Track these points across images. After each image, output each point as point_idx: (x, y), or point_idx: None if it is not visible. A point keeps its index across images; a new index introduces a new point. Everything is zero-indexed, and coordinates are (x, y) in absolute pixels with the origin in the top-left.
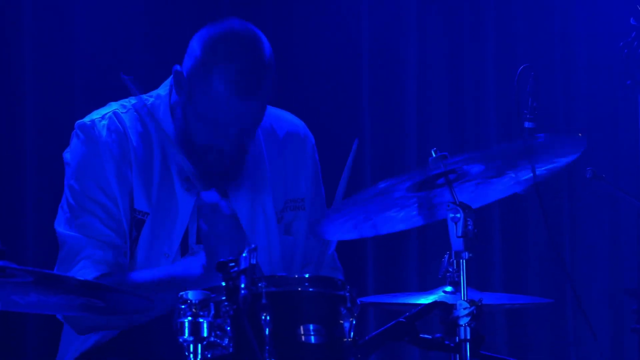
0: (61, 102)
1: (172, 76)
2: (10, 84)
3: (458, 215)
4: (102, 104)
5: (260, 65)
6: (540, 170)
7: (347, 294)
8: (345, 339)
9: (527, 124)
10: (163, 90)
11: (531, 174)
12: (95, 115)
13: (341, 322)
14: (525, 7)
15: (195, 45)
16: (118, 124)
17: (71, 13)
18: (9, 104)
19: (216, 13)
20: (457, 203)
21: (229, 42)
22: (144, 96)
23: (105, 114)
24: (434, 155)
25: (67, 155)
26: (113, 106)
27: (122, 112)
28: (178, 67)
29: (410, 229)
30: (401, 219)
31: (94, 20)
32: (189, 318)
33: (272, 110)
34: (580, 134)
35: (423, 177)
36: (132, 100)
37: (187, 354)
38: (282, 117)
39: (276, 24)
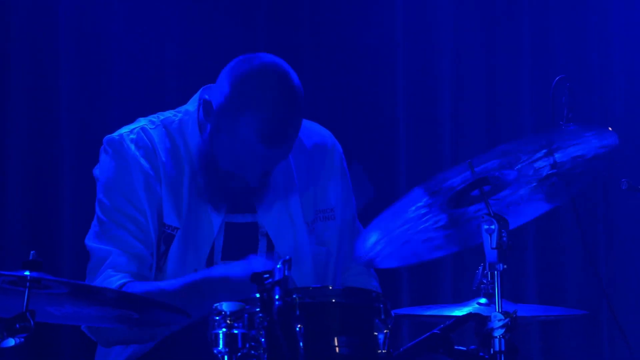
0: (97, 118)
1: (199, 95)
2: (47, 101)
3: (492, 226)
4: (136, 120)
5: (289, 113)
6: (565, 156)
7: (382, 305)
8: (380, 351)
9: None
10: (191, 106)
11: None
12: (124, 130)
13: (375, 334)
14: (561, 16)
15: (224, 82)
16: (146, 139)
17: (106, 30)
18: (46, 119)
19: (251, 22)
20: (492, 214)
21: (258, 85)
22: (173, 112)
23: (134, 129)
24: (469, 167)
25: (96, 170)
26: (142, 122)
27: (150, 128)
28: (206, 96)
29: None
30: (439, 247)
31: (128, 36)
32: (224, 329)
33: None
34: (610, 128)
35: (454, 179)
36: (161, 116)
37: None
38: (309, 128)
39: (311, 34)
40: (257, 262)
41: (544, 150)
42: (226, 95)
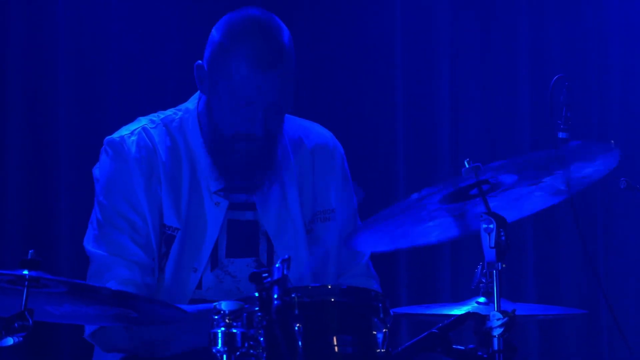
0: (96, 118)
1: (196, 77)
2: (45, 101)
3: (491, 225)
4: (135, 119)
5: (279, 40)
6: (576, 179)
7: (380, 304)
8: (378, 350)
9: (560, 135)
10: (191, 104)
11: (566, 185)
12: (124, 131)
13: (374, 332)
14: (558, 16)
15: (214, 33)
16: (147, 139)
17: (106, 30)
18: (43, 118)
19: None
20: (490, 213)
21: (247, 24)
22: (173, 110)
23: (134, 129)
24: (467, 165)
25: (96, 171)
26: (142, 121)
27: (151, 128)
28: (199, 61)
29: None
30: (435, 231)
31: (128, 36)
32: (223, 328)
33: (300, 122)
34: (612, 141)
35: (455, 188)
36: (161, 115)
37: None
38: (310, 129)
39: (311, 33)
40: None
41: (558, 172)
42: (215, 42)
